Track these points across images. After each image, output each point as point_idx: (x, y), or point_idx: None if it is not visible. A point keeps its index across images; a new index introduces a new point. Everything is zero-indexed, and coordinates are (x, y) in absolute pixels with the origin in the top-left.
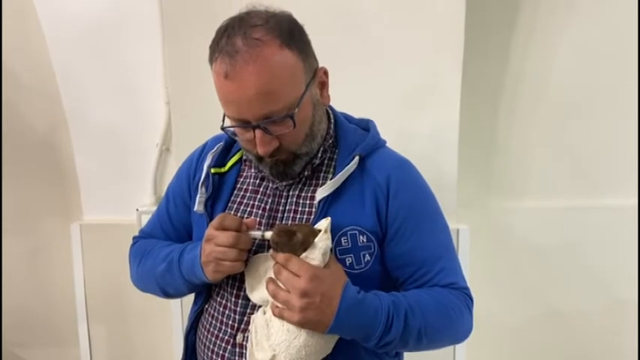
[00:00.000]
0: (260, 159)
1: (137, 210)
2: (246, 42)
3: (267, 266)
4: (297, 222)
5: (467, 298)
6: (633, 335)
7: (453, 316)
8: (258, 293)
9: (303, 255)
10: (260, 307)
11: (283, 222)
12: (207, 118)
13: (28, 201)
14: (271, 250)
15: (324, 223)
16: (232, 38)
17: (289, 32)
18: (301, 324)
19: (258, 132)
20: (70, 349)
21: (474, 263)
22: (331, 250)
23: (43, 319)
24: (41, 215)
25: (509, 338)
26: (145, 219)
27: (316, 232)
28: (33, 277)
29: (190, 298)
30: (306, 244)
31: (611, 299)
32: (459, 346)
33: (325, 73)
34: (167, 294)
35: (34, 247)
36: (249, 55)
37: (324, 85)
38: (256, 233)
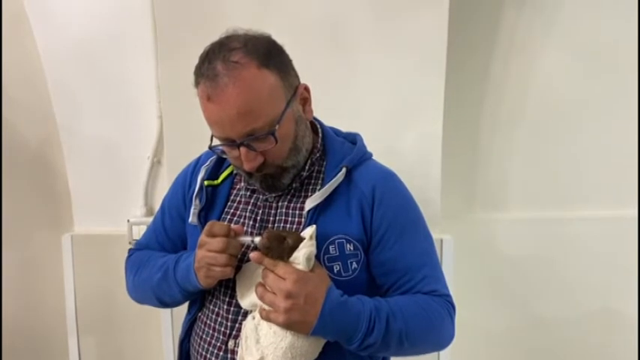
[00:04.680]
0: (250, 174)
1: (128, 221)
2: (225, 65)
3: (257, 273)
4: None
5: (449, 305)
6: (613, 343)
7: (435, 322)
8: (248, 299)
9: (290, 259)
10: (251, 312)
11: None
12: (198, 132)
13: (20, 212)
14: (254, 253)
15: (309, 231)
16: (213, 62)
17: (267, 53)
18: (286, 325)
19: (242, 149)
20: None
21: (457, 273)
22: (316, 256)
23: (33, 331)
24: (32, 226)
25: (492, 346)
26: (136, 230)
27: (303, 239)
28: (23, 289)
29: (181, 310)
30: (294, 249)
31: (592, 307)
32: (443, 355)
33: (306, 89)
34: (163, 303)
35: (25, 258)
36: (229, 78)
37: (306, 101)
38: (246, 239)
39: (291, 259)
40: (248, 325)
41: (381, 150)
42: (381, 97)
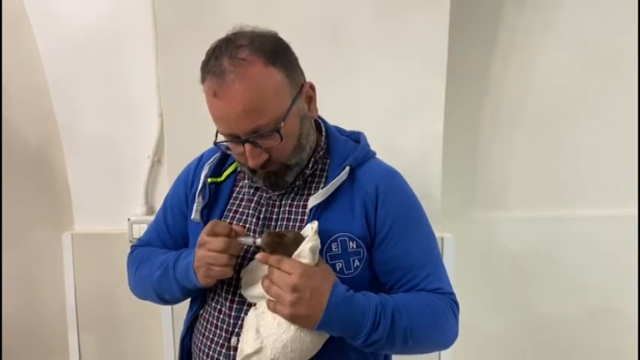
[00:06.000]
0: (253, 171)
1: (129, 220)
2: (232, 62)
3: (263, 267)
4: (289, 229)
5: (452, 303)
6: (613, 342)
7: (439, 320)
8: (250, 291)
9: (295, 254)
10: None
11: (276, 230)
12: (198, 131)
13: (20, 211)
14: (260, 254)
15: (311, 227)
16: (220, 59)
17: (273, 51)
18: (292, 318)
19: (247, 146)
20: (60, 358)
21: (458, 271)
22: (320, 252)
23: (33, 329)
24: (33, 225)
25: (493, 344)
26: (137, 229)
27: (304, 237)
28: (24, 287)
29: (182, 308)
30: (296, 246)
31: (592, 306)
32: (443, 352)
33: (312, 87)
34: (163, 300)
35: (26, 257)
36: (235, 75)
37: (311, 99)
38: (248, 240)
39: (297, 252)
40: (249, 318)
41: (382, 149)
42: (382, 97)
